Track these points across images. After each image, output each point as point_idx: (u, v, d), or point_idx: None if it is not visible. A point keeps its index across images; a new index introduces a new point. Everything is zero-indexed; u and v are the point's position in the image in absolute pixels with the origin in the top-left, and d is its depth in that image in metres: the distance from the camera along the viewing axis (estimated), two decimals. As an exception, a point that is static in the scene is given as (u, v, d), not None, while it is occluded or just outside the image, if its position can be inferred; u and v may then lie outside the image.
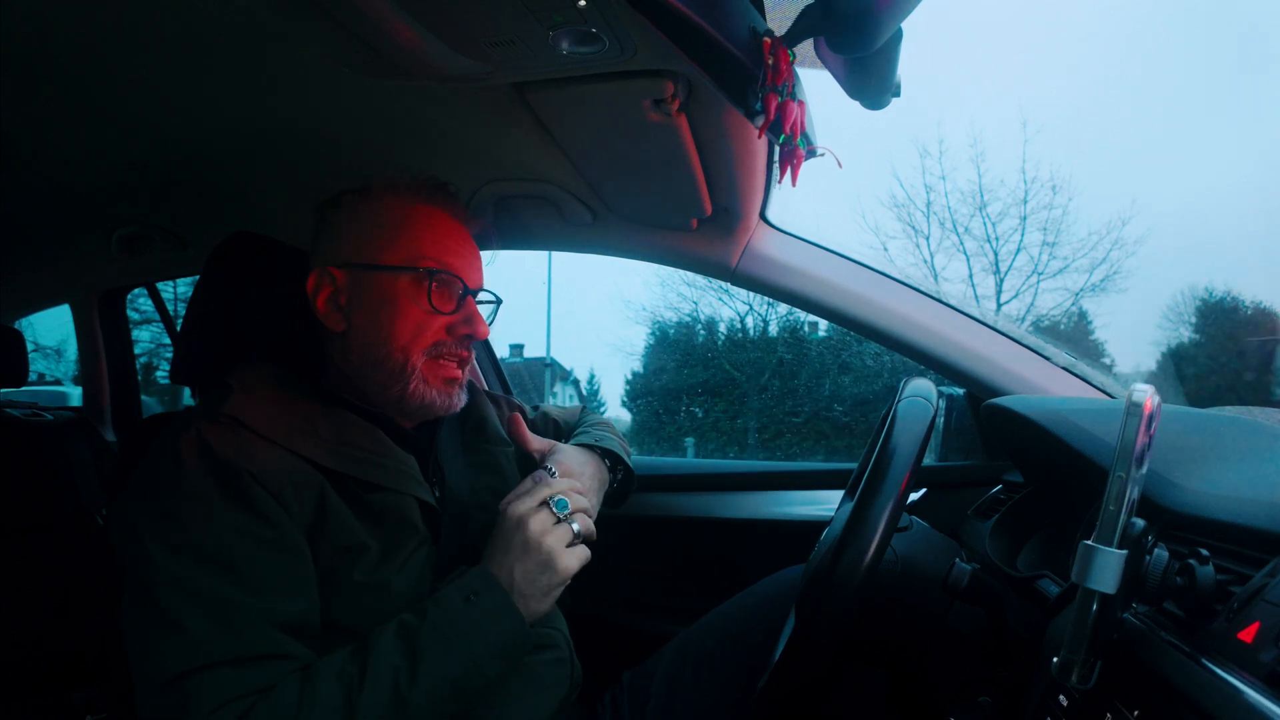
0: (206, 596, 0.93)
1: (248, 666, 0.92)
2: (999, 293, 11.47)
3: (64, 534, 2.04)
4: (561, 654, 1.23)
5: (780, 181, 1.14)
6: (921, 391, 1.10)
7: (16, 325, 2.65)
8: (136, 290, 2.88)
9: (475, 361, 2.33)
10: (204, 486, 0.98)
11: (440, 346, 1.16)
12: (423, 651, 0.96)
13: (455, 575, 1.08)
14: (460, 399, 1.21)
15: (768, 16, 1.03)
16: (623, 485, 1.41)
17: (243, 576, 0.95)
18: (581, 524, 1.12)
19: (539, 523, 1.08)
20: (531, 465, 1.35)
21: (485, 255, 1.27)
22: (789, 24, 0.99)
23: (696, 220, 1.66)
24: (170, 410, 1.22)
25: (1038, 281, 11.44)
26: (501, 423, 1.44)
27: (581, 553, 1.09)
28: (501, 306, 1.29)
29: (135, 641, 0.94)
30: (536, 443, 1.32)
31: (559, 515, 1.10)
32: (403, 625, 1.00)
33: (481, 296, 1.23)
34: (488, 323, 1.24)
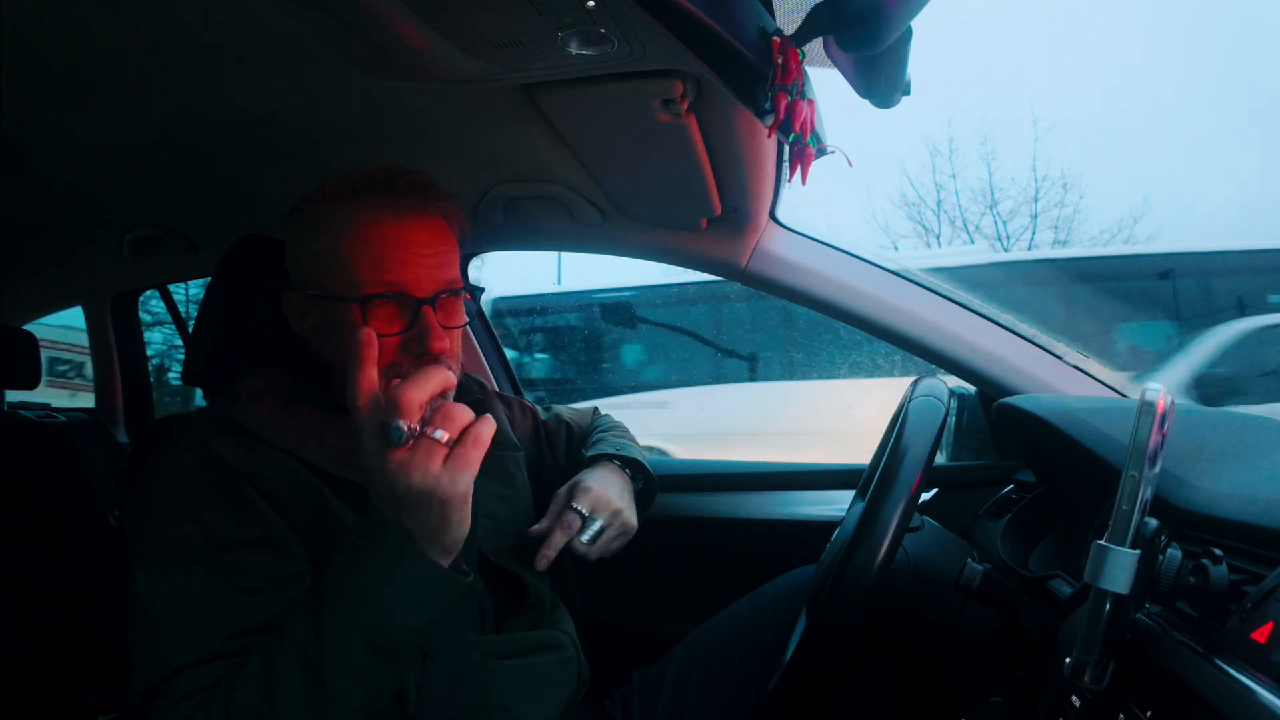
0: (185, 601, 0.94)
1: (210, 665, 0.91)
2: (1010, 291, 11.45)
3: (77, 535, 2.05)
4: (568, 654, 1.23)
5: (790, 180, 1.14)
6: (932, 391, 1.10)
7: (29, 327, 2.66)
8: (149, 292, 2.90)
9: (485, 362, 2.34)
10: (197, 489, 0.99)
11: (398, 367, 1.04)
12: (325, 613, 0.89)
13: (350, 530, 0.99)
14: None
15: (777, 15, 1.03)
16: (645, 494, 1.39)
17: (226, 578, 0.96)
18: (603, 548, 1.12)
19: (394, 462, 0.85)
20: (548, 471, 1.34)
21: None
22: (798, 23, 0.99)
23: (706, 220, 1.66)
24: (183, 411, 1.23)
25: (1049, 280, 11.42)
26: (513, 425, 1.44)
27: (463, 471, 0.86)
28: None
29: (129, 648, 0.95)
30: (551, 521, 1.23)
31: (396, 438, 0.85)
32: (312, 590, 0.93)
33: (445, 297, 1.09)
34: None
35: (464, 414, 0.88)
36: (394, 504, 0.87)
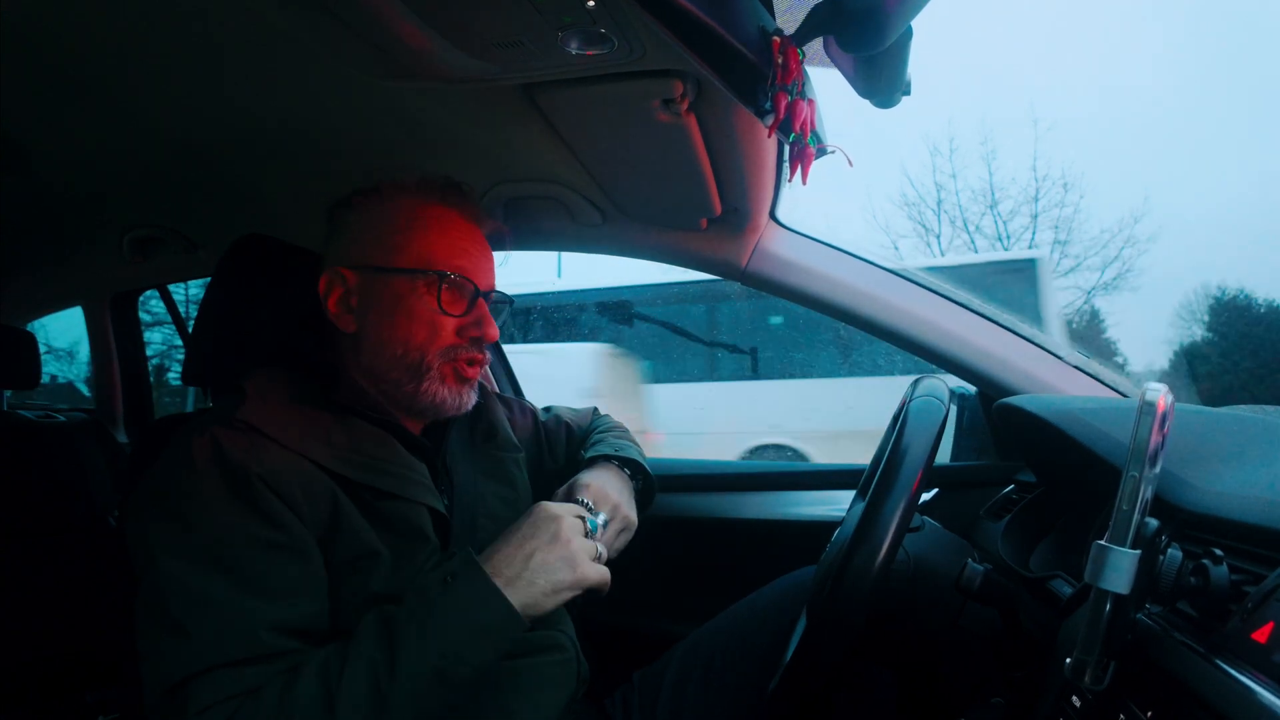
0: (208, 600, 0.93)
1: (242, 668, 0.92)
2: (1010, 291, 11.48)
3: (77, 536, 2.04)
4: (568, 655, 1.23)
5: (790, 180, 1.14)
6: (933, 391, 1.09)
7: (29, 327, 2.66)
8: (148, 292, 2.90)
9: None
10: (212, 489, 0.98)
11: (454, 350, 1.16)
12: (400, 640, 0.94)
13: (439, 560, 1.09)
14: (471, 399, 1.20)
15: (777, 15, 1.03)
16: (643, 494, 1.39)
17: (247, 579, 0.95)
18: (606, 544, 1.14)
19: (575, 524, 1.07)
20: (548, 472, 1.33)
21: (497, 256, 1.27)
22: (798, 23, 0.99)
23: (706, 220, 1.66)
24: (183, 411, 1.23)
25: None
26: (513, 426, 1.44)
27: (604, 572, 1.07)
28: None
29: (142, 645, 0.94)
30: None
31: (591, 531, 1.10)
32: (382, 614, 0.98)
33: (494, 297, 1.23)
34: (497, 323, 1.24)
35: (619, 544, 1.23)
36: (543, 541, 1.04)
